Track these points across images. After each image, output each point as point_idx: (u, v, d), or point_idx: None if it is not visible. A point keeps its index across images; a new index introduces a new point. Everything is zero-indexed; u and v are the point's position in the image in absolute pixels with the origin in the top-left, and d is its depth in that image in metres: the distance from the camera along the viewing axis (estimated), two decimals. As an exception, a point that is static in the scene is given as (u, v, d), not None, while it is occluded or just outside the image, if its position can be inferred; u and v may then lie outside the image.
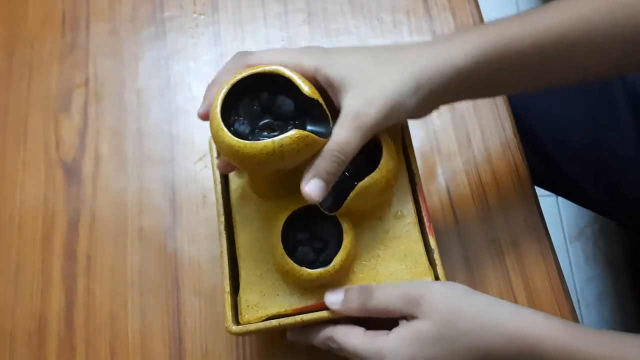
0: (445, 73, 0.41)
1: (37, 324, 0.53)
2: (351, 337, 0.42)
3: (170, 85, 0.63)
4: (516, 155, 0.59)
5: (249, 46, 0.64)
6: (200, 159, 0.60)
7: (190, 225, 0.57)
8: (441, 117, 0.61)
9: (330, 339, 0.43)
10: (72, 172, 0.59)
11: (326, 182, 0.40)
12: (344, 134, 0.40)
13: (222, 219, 0.47)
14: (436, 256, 0.46)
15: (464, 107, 0.61)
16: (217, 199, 0.48)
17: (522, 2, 1.50)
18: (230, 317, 0.44)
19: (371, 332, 0.42)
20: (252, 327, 0.44)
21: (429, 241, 0.47)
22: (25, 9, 0.66)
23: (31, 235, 0.56)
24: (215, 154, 0.50)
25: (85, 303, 0.54)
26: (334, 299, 0.43)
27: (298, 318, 0.43)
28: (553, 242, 0.56)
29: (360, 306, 0.43)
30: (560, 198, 1.29)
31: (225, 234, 0.47)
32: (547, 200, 1.26)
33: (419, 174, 0.48)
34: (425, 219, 0.47)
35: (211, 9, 0.66)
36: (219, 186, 0.49)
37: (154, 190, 0.58)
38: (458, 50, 0.42)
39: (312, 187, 0.39)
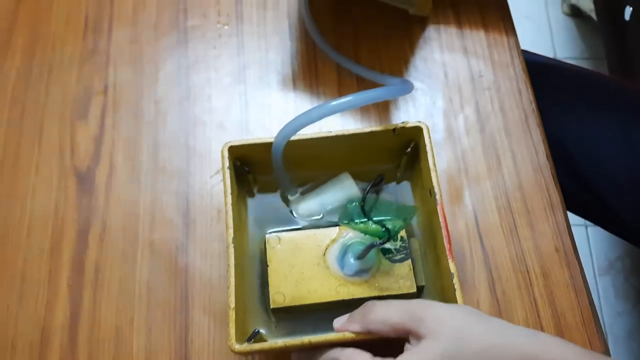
0: None
1: (40, 335, 0.51)
2: None
3: (189, 95, 0.61)
4: (549, 182, 0.56)
5: (273, 58, 0.62)
6: (217, 173, 0.58)
7: (203, 241, 0.55)
8: (470, 137, 0.58)
9: None
10: (85, 180, 0.57)
11: None
12: None
13: (231, 231, 0.45)
14: (455, 280, 0.43)
15: (495, 127, 0.58)
16: (226, 211, 0.46)
17: (556, 29, 1.47)
18: (234, 335, 0.41)
19: (379, 359, 0.40)
20: (257, 346, 0.41)
21: (448, 265, 0.44)
22: (49, 11, 0.65)
23: (39, 243, 0.55)
24: (227, 163, 0.48)
25: (91, 316, 0.52)
26: (339, 321, 0.43)
27: (305, 339, 0.41)
28: (583, 274, 0.52)
29: (361, 320, 0.41)
30: (590, 229, 1.25)
31: (233, 246, 0.44)
32: (577, 231, 1.21)
33: (440, 190, 0.46)
34: (445, 241, 0.44)
35: (235, 19, 0.64)
36: (229, 197, 0.46)
37: (168, 202, 0.56)
38: None
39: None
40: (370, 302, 0.42)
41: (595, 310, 0.51)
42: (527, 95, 0.59)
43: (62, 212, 0.56)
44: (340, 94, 0.60)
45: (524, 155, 0.57)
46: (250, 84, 0.61)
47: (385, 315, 0.40)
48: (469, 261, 0.53)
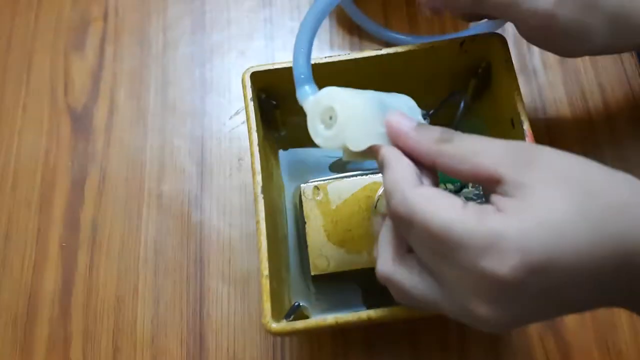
0: None
1: (26, 306, 0.43)
2: (440, 204, 0.27)
3: (204, 22, 0.51)
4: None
5: (303, -22, 0.52)
6: (237, 113, 0.48)
7: (222, 194, 0.45)
8: (548, 70, 0.47)
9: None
10: (80, 121, 0.48)
11: None
12: None
13: (259, 178, 0.35)
14: None
15: (578, 58, 0.47)
16: (252, 152, 0.36)
17: None
18: (270, 311, 0.32)
19: (472, 206, 0.27)
20: (300, 325, 0.31)
21: None
22: None
23: (26, 196, 0.46)
24: (249, 94, 0.38)
25: (87, 283, 0.43)
26: (404, 120, 0.30)
27: (363, 314, 0.31)
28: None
29: (437, 141, 0.29)
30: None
31: (263, 197, 0.34)
32: None
33: (527, 117, 0.36)
34: None
35: None
36: (255, 135, 0.36)
37: (179, 148, 0.47)
38: None
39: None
40: (451, 131, 0.30)
41: None
42: (618, 18, 0.48)
43: (54, 159, 0.47)
44: (387, 17, 0.50)
45: (615, 90, 0.46)
46: (277, 7, 0.51)
47: (476, 148, 0.28)
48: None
